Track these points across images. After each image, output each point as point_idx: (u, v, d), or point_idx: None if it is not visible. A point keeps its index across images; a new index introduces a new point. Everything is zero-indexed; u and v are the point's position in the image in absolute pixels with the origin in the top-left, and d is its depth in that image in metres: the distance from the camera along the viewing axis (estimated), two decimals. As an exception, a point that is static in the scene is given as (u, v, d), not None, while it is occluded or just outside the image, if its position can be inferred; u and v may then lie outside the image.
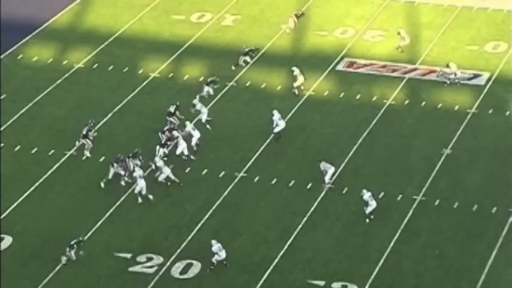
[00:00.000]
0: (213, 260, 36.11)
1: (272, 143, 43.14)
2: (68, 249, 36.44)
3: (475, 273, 35.82)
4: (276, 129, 43.13)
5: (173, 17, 53.45)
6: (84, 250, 37.40)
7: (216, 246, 36.06)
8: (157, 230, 38.54)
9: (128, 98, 46.60)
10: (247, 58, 48.26)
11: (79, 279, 36.37)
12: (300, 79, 46.17)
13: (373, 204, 38.12)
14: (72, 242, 36.48)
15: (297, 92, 46.06)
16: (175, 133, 42.29)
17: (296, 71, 46.25)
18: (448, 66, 46.29)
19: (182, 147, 41.81)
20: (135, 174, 39.95)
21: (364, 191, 38.26)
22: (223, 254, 36.08)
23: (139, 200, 39.66)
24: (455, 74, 45.94)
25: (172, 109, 43.71)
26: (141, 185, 39.66)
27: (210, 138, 43.52)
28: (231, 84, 47.50)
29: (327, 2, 54.50)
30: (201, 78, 47.87)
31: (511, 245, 37.06)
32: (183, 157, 41.83)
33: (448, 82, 45.98)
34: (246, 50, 48.54)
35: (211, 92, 45.86)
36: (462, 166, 41.27)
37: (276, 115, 43.21)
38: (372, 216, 38.23)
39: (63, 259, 36.42)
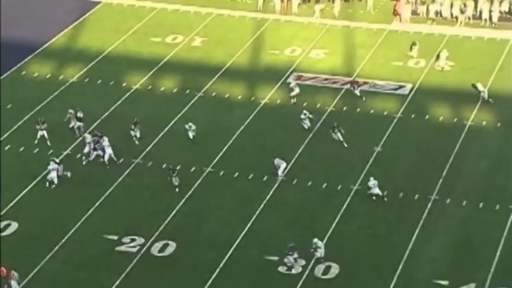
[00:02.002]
0: (318, 254, 35.08)
1: (234, 143, 43.05)
2: (287, 256, 34.88)
3: (401, 248, 35.99)
4: (292, 93, 44.48)
5: (151, 39, 53.17)
6: (78, 233, 37.16)
7: (320, 243, 35.04)
8: (139, 215, 38.33)
9: (114, 107, 46.29)
10: (356, 91, 45.67)
11: (74, 258, 36.08)
12: (296, 90, 45.61)
13: (375, 190, 38.09)
14: (287, 250, 34.81)
15: (293, 100, 45.44)
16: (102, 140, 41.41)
17: (292, 83, 45.93)
18: (475, 86, 45.16)
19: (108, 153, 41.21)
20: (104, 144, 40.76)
21: (371, 178, 38.30)
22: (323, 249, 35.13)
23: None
24: (484, 92, 44.65)
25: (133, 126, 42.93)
26: (108, 152, 40.56)
27: (182, 139, 43.38)
28: (200, 95, 47.34)
29: (278, 26, 54.52)
30: (175, 90, 47.70)
31: (429, 226, 37.29)
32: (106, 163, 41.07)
33: (486, 99, 44.52)
34: (352, 81, 46.21)
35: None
36: (390, 161, 41.43)
37: (293, 82, 45.07)
38: (373, 198, 38.18)
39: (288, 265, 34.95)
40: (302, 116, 43.17)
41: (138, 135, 42.63)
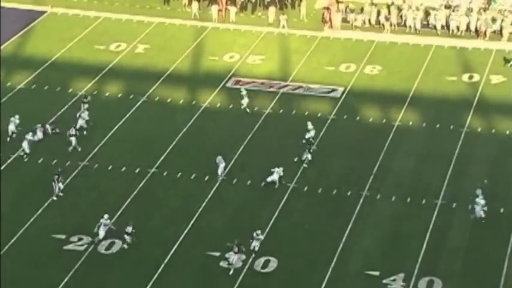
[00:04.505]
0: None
1: (177, 145, 42.85)
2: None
3: (336, 241, 36.23)
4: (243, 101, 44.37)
5: (96, 47, 52.62)
6: (27, 233, 36.56)
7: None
8: (86, 215, 37.86)
9: (61, 112, 45.68)
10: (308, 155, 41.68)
11: (24, 256, 35.53)
12: (246, 100, 44.97)
13: (274, 176, 39.00)
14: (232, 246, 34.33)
15: (248, 110, 44.84)
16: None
17: (243, 92, 45.36)
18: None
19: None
20: None
21: (277, 169, 39.01)
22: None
23: None
24: None
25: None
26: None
27: (128, 141, 43.03)
28: (143, 100, 47.01)
29: (217, 33, 54.47)
30: (119, 95, 47.28)
31: (361, 220, 37.59)
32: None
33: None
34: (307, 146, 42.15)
35: None
36: (324, 159, 41.62)
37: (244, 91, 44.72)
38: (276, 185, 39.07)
39: None
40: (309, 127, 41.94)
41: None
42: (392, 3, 54.42)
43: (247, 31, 54.60)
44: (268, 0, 56.33)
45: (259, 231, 35.41)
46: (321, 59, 51.13)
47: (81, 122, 43.37)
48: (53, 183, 38.84)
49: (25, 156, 41.39)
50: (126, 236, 35.79)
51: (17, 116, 43.35)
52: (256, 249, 35.24)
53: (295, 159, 40.64)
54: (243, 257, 34.82)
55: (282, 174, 39.31)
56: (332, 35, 53.93)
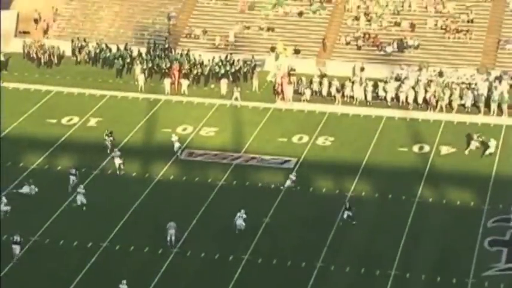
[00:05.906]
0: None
1: (129, 219, 42.71)
2: None
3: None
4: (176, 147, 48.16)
5: (47, 121, 52.66)
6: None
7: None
8: (37, 292, 37.42)
9: (12, 186, 45.35)
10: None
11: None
12: (176, 145, 48.24)
13: (239, 221, 40.86)
14: None
15: (179, 155, 48.13)
16: None
17: (174, 138, 48.63)
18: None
19: None
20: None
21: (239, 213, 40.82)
22: None
23: None
24: None
25: None
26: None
27: (80, 215, 42.80)
28: (96, 172, 46.95)
29: (170, 106, 54.94)
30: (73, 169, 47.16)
31: (317, 291, 37.73)
32: None
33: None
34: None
35: None
36: (278, 231, 41.80)
37: (174, 137, 48.60)
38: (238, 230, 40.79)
39: None
40: (239, 214, 41.55)
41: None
42: (325, 75, 55.85)
43: (200, 103, 55.20)
44: (222, 73, 57.28)
45: None
46: (273, 130, 51.75)
47: (118, 161, 46.58)
48: (13, 245, 38.87)
49: None
50: None
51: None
52: None
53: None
54: None
55: (244, 216, 40.98)
56: (284, 107, 54.76)
